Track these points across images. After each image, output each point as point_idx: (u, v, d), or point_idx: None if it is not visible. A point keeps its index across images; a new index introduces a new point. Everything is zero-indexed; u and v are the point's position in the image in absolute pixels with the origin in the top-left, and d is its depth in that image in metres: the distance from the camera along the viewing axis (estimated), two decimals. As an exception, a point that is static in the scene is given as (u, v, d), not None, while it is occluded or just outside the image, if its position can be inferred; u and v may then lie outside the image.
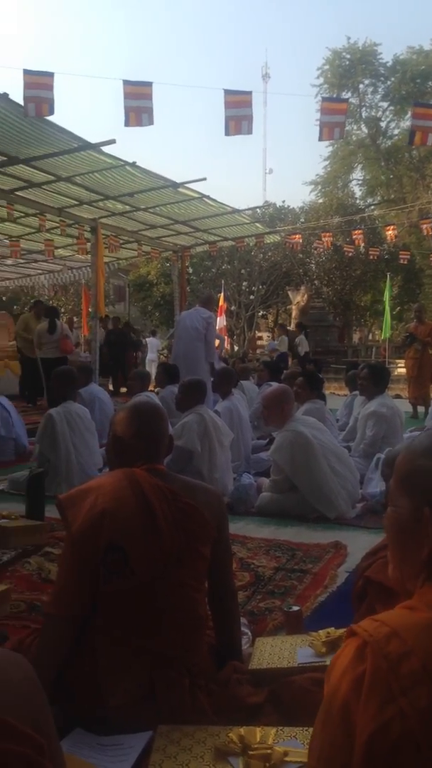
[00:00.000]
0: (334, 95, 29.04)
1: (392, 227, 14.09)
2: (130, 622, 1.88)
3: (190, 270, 22.42)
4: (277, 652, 2.21)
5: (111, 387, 13.64)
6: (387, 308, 18.22)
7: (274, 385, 6.00)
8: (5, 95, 6.13)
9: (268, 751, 1.63)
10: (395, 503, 1.15)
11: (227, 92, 6.31)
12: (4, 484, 5.29)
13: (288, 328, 19.51)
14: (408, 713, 0.90)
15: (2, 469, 5.95)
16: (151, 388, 7.53)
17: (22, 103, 5.95)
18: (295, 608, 2.53)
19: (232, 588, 2.23)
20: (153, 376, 8.71)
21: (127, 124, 6.11)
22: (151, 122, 6.14)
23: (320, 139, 6.72)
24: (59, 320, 10.95)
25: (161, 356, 20.61)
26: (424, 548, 1.08)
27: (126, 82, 6.11)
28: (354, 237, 14.34)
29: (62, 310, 22.27)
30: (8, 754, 0.87)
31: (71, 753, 1.66)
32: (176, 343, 8.20)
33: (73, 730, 1.81)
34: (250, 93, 6.37)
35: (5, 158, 7.64)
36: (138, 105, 6.13)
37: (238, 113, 6.36)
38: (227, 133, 6.36)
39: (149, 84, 6.18)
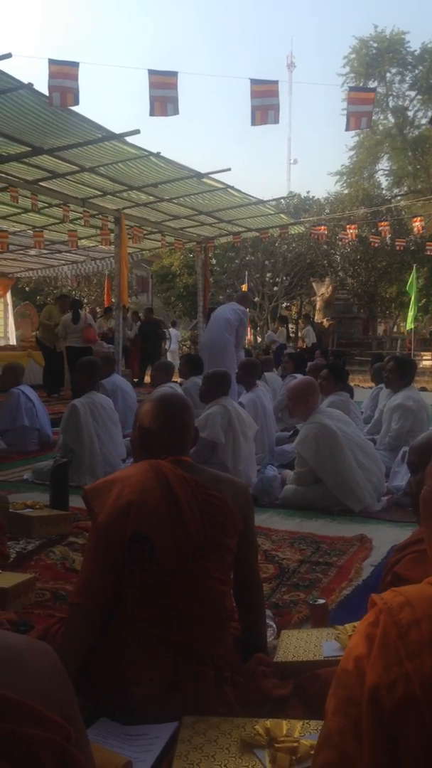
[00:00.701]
0: (361, 84, 28.74)
1: (419, 218, 13.88)
2: (155, 613, 1.87)
3: (214, 261, 22.35)
4: (302, 645, 2.19)
5: (135, 378, 13.74)
6: (414, 298, 18.01)
7: (299, 377, 5.97)
8: (30, 85, 6.14)
9: (295, 744, 1.61)
10: (426, 482, 1.19)
11: (253, 81, 6.23)
12: (28, 473, 5.33)
13: (299, 320, 19.42)
14: (412, 677, 0.94)
15: (26, 459, 6.00)
16: (174, 378, 7.53)
17: (46, 93, 5.94)
18: (321, 601, 2.50)
19: (258, 580, 2.21)
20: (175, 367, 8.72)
21: (152, 113, 6.08)
22: (176, 112, 6.10)
23: (347, 129, 6.62)
24: (82, 311, 11.14)
25: (183, 347, 20.63)
26: None
27: (151, 72, 6.07)
28: (380, 228, 14.15)
29: (85, 300, 22.34)
30: (37, 740, 0.87)
31: (96, 742, 1.66)
32: (204, 333, 8.20)
33: (98, 719, 1.81)
34: (276, 82, 6.29)
35: (29, 149, 7.66)
36: (163, 94, 6.09)
37: (265, 103, 6.28)
38: (253, 123, 6.28)
39: (174, 73, 6.13)
